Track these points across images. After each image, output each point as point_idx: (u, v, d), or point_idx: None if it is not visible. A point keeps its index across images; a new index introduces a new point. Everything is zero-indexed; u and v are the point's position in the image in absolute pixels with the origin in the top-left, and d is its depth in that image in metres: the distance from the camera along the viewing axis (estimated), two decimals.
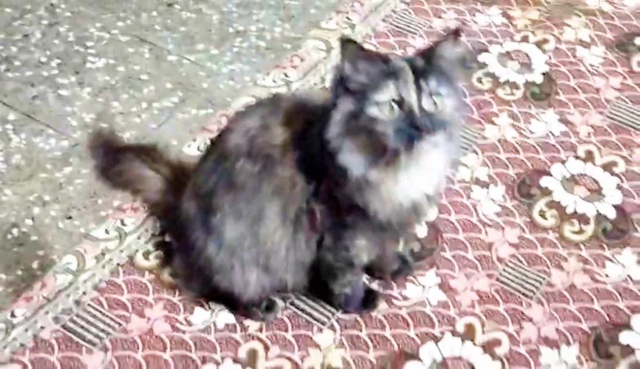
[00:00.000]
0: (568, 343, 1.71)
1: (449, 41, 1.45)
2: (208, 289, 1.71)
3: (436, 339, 1.72)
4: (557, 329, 1.73)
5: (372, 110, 1.41)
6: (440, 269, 1.84)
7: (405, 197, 1.51)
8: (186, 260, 1.70)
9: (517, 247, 1.88)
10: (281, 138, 1.54)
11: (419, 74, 1.41)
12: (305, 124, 1.53)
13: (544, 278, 1.82)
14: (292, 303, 1.78)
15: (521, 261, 1.85)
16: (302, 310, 1.77)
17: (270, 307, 1.75)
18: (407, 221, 1.59)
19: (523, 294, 1.79)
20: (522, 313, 1.76)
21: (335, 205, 1.54)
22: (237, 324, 1.74)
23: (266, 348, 1.71)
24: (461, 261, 1.86)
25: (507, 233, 1.90)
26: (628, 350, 1.70)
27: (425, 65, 1.43)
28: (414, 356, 1.69)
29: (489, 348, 1.70)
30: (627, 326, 1.73)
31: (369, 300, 1.78)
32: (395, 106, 1.41)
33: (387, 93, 1.40)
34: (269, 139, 1.55)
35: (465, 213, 1.94)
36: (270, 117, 1.57)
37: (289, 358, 1.69)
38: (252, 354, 1.70)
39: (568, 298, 1.78)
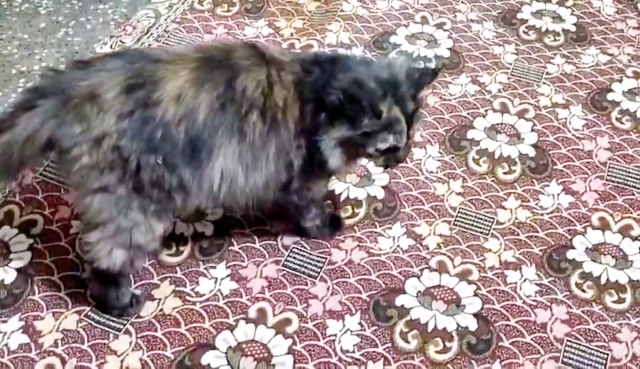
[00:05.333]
0: (351, 313, 1.77)
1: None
2: None
3: (231, 328, 1.73)
4: (340, 302, 1.79)
5: (371, 150, 1.68)
6: (230, 261, 1.86)
7: None
8: None
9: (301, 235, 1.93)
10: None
11: (409, 123, 1.67)
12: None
13: (325, 258, 1.88)
14: (87, 315, 1.73)
15: (305, 246, 1.90)
16: (97, 321, 1.71)
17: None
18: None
19: (308, 275, 1.84)
20: (308, 292, 1.81)
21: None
22: (32, 343, 1.66)
23: (63, 362, 1.64)
24: (250, 251, 1.88)
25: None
26: (403, 310, 1.78)
27: (413, 110, 1.67)
28: (211, 346, 1.69)
29: (280, 328, 1.74)
30: (402, 291, 1.83)
31: (335, 223, 1.95)
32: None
33: (386, 143, 1.66)
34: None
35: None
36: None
37: (87, 368, 1.64)
38: None
39: (348, 272, 1.86)
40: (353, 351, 1.70)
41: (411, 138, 1.71)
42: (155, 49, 2.25)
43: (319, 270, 1.85)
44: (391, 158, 1.72)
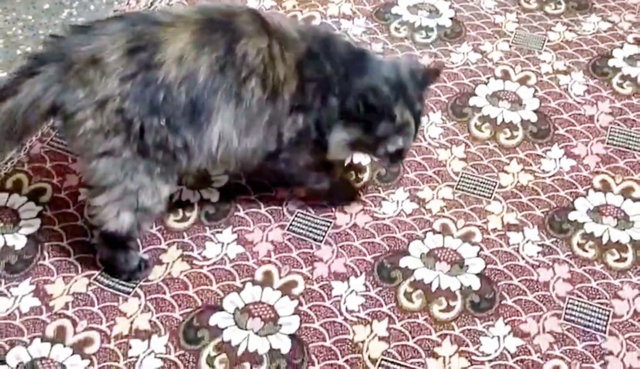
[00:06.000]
0: (356, 275, 1.79)
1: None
2: None
3: (238, 290, 1.75)
4: (345, 264, 1.82)
5: (381, 152, 1.73)
6: (236, 226, 1.88)
7: None
8: None
9: (306, 199, 1.95)
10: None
11: (416, 123, 1.73)
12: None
13: (330, 222, 1.90)
14: (97, 279, 1.75)
15: (309, 211, 1.92)
16: (107, 285, 1.74)
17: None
18: None
19: (313, 239, 1.86)
20: (314, 255, 1.83)
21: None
22: (43, 306, 1.69)
23: (74, 324, 1.67)
24: (255, 217, 1.90)
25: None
26: (407, 272, 1.81)
27: (420, 108, 1.73)
28: (219, 308, 1.71)
29: (286, 289, 1.76)
30: (406, 253, 1.85)
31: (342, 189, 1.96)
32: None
33: (395, 145, 1.71)
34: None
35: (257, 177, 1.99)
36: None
37: (97, 329, 1.66)
38: (61, 330, 1.65)
39: (352, 236, 1.88)
40: (358, 311, 1.72)
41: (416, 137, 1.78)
42: (155, 11, 2.25)
43: (323, 233, 1.87)
44: (396, 158, 1.77)
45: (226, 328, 1.68)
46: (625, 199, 1.97)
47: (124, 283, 1.74)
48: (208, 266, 1.79)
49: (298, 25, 1.83)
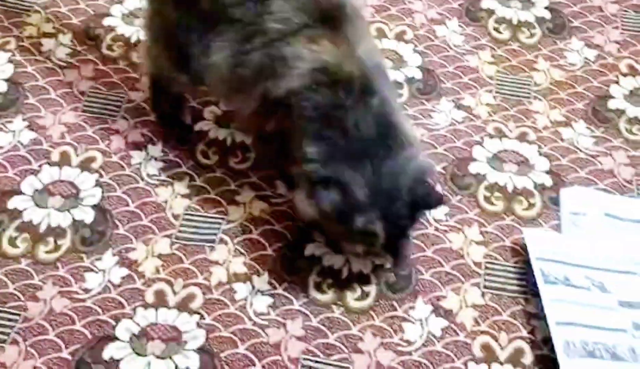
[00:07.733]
0: (153, 143, 1.80)
1: None
2: None
3: (35, 173, 1.72)
4: (141, 134, 1.82)
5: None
6: (27, 114, 1.82)
7: None
8: None
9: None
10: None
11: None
12: None
13: (123, 97, 1.88)
14: None
15: (101, 89, 1.89)
16: None
17: None
18: None
19: (108, 115, 1.84)
20: (109, 128, 1.81)
21: None
22: None
23: None
24: (47, 102, 1.85)
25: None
26: None
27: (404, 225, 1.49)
28: (16, 192, 1.68)
29: (85, 165, 1.75)
30: None
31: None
32: None
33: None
34: None
35: None
36: None
37: None
38: None
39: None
40: (158, 175, 1.74)
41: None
42: None
43: (118, 109, 1.85)
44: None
45: (25, 209, 1.65)
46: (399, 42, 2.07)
47: None
48: (1, 154, 1.74)
49: (374, 51, 1.62)
